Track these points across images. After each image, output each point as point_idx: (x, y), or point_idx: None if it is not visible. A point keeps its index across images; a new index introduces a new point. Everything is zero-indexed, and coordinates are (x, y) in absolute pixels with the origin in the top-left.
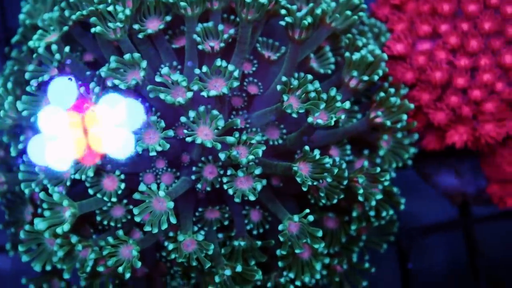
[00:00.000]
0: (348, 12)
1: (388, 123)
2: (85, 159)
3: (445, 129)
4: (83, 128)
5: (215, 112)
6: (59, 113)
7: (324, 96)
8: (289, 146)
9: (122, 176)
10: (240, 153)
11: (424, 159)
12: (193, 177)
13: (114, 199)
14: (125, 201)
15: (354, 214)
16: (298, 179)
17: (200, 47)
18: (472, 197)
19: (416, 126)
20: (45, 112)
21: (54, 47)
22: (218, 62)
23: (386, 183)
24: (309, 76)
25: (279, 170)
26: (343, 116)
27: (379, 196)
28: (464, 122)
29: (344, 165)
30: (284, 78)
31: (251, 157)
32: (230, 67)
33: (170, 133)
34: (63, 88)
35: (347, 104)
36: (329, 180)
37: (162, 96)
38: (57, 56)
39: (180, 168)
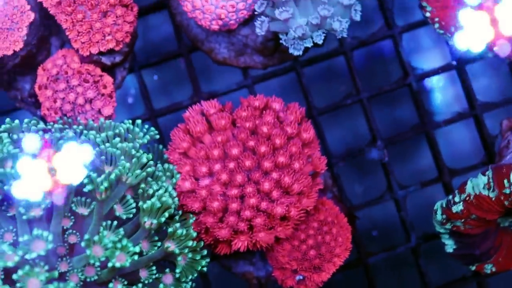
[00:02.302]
0: (138, 171)
1: (177, 250)
2: None
3: (231, 239)
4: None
5: (37, 269)
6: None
7: (119, 245)
8: (104, 279)
9: None
10: None
11: (227, 255)
12: None
13: None
14: None
15: None
16: None
17: (24, 217)
18: (264, 279)
19: (210, 240)
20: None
21: None
22: (35, 231)
23: None
24: (104, 233)
25: None
26: (136, 257)
27: None
28: (243, 233)
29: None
30: (86, 236)
31: None
32: (45, 234)
33: None
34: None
35: (137, 248)
36: None
37: None
38: None
39: None
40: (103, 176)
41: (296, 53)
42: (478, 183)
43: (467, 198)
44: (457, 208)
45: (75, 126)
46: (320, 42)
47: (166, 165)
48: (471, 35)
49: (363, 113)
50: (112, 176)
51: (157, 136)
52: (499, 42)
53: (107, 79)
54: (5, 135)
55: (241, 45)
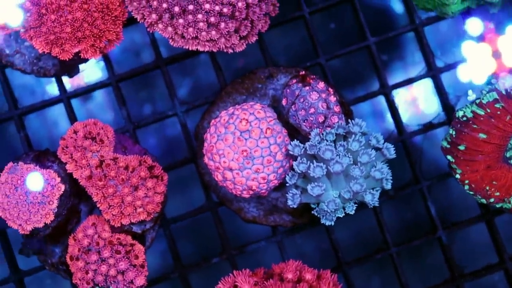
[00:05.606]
0: None
1: None
2: None
3: None
4: None
5: None
6: None
7: None
8: None
9: None
10: None
11: None
12: None
13: None
14: None
15: None
16: None
17: None
18: None
19: None
20: None
21: None
22: None
23: None
24: None
25: None
26: None
27: None
28: None
29: None
30: None
31: None
32: None
33: None
34: None
35: None
36: None
37: None
38: None
39: None
40: None
41: (328, 223)
42: None
43: None
44: None
45: None
46: (352, 213)
47: None
48: (474, 67)
49: (392, 266)
50: None
51: None
52: (502, 74)
53: (139, 248)
54: None
55: (271, 206)
